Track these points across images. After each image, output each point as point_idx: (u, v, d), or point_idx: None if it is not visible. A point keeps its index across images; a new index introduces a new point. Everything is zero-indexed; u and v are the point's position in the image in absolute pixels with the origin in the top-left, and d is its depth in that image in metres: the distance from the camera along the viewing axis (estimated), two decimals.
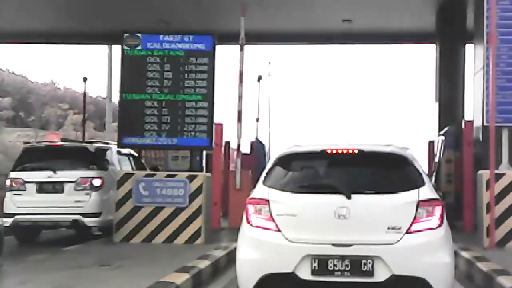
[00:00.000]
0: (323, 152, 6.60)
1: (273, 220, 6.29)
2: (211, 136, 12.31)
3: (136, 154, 15.27)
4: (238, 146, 14.83)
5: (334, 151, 6.58)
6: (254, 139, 19.03)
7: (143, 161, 16.19)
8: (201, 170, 14.81)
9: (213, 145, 13.10)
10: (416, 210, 6.20)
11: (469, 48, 18.31)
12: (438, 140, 17.18)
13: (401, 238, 6.10)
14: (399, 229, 6.12)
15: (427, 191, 6.36)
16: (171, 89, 12.31)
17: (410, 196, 6.27)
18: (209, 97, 12.31)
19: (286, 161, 6.72)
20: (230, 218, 15.13)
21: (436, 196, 6.44)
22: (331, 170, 6.64)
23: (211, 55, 12.29)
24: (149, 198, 12.02)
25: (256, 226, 6.37)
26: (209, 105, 12.30)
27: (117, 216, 12.13)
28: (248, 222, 6.46)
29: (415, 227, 6.16)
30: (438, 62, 19.87)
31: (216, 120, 13.03)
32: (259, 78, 22.53)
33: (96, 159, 13.33)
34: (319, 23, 20.12)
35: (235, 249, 6.78)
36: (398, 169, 6.55)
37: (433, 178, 16.25)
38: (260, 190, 6.56)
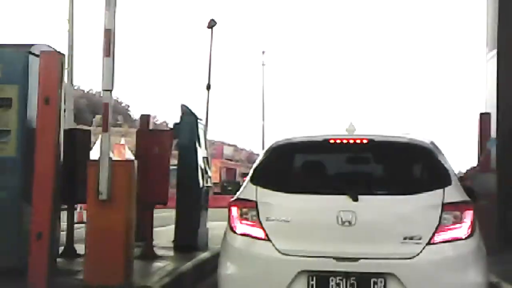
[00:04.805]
0: (325, 142, 5.84)
1: (261, 226, 5.57)
2: None
3: None
4: (105, 107, 7.57)
5: (338, 141, 5.80)
6: (181, 107, 10.89)
7: None
8: None
9: None
10: (441, 215, 5.40)
11: None
12: None
13: (421, 251, 5.34)
14: (418, 239, 5.36)
15: (454, 192, 5.54)
16: None
17: (433, 198, 5.47)
18: None
19: (279, 153, 5.93)
20: (86, 263, 7.51)
21: (466, 198, 5.57)
22: (334, 164, 6.00)
23: None
24: None
25: (241, 233, 5.66)
26: None
27: None
28: (231, 228, 5.73)
29: (439, 237, 5.37)
30: None
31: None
32: (211, 25, 14.52)
33: None
34: None
35: None
36: (418, 163, 5.88)
37: None
38: (247, 190, 5.77)
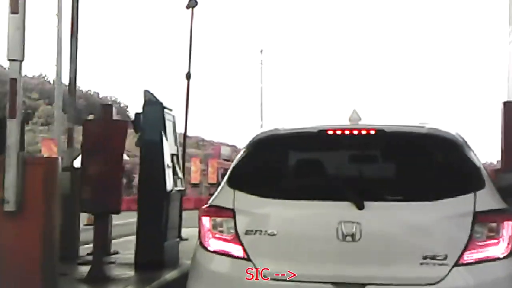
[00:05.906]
0: (322, 133, 4.75)
1: (239, 241, 4.53)
2: None
3: None
4: (13, 84, 5.93)
5: (339, 132, 4.73)
6: (144, 93, 8.94)
7: None
8: None
9: None
10: (472, 227, 4.37)
11: None
12: None
13: (446, 274, 4.30)
14: (443, 259, 4.32)
15: (489, 197, 4.49)
16: None
17: (461, 205, 4.42)
18: None
19: (263, 148, 4.84)
20: None
21: (504, 206, 4.52)
22: (333, 162, 4.82)
23: None
24: None
25: (213, 251, 4.62)
26: None
27: None
28: (202, 244, 4.69)
29: (469, 255, 4.35)
30: None
31: None
32: (191, 5, 12.65)
33: None
34: None
35: None
36: (440, 160, 4.72)
37: None
38: (222, 194, 4.70)
